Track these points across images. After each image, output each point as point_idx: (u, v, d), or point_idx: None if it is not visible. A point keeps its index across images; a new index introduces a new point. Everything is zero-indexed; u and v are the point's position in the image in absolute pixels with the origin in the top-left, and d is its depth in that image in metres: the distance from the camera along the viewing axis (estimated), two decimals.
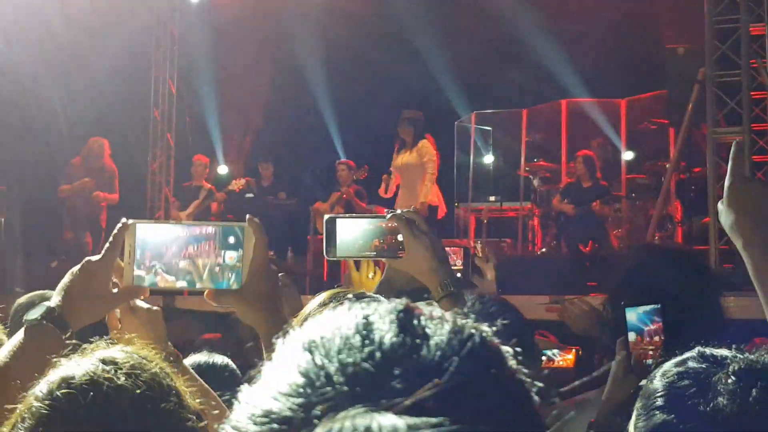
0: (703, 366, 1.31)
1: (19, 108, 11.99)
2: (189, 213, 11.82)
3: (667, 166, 11.16)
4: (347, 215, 2.24)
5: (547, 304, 8.81)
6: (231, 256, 1.63)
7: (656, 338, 2.17)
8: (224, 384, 2.83)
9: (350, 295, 1.92)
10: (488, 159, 14.11)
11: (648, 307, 2.13)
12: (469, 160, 13.84)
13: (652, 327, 2.15)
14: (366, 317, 0.87)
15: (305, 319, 1.89)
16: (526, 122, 13.54)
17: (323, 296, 1.95)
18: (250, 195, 12.65)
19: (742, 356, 1.30)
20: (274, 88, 15.05)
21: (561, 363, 3.77)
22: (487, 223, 12.83)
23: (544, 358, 3.71)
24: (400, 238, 2.19)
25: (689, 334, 1.56)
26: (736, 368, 1.28)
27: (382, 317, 0.86)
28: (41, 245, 11.82)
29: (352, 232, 2.18)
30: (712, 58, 9.60)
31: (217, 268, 1.63)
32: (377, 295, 1.97)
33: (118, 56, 12.80)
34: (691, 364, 1.32)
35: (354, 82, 14.32)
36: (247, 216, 1.67)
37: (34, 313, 1.57)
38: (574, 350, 3.86)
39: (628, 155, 12.79)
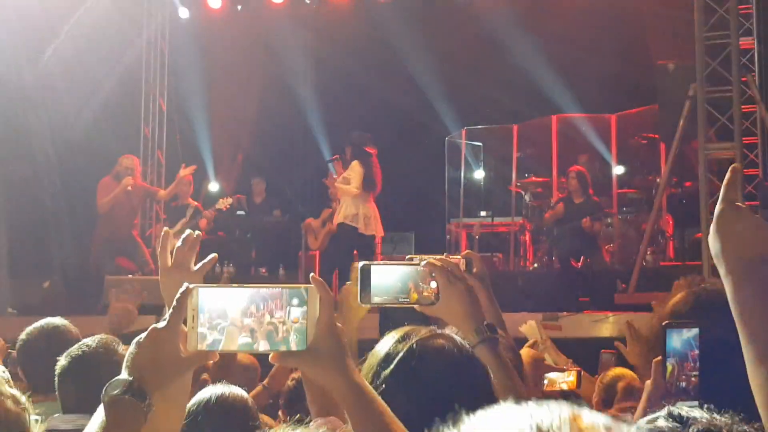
0: (670, 425, 1.33)
1: (6, 125, 11.94)
2: (176, 230, 11.76)
3: (659, 180, 11.18)
4: (382, 262, 2.27)
5: (540, 321, 8.86)
6: (295, 317, 1.62)
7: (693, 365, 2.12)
8: (236, 422, 2.80)
9: (424, 333, 1.94)
10: (479, 174, 14.14)
11: (691, 331, 2.09)
12: (460, 176, 13.86)
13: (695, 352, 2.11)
14: (539, 428, 0.87)
15: (386, 358, 1.90)
16: (516, 138, 13.57)
17: (397, 334, 1.96)
18: (242, 212, 12.63)
19: (708, 417, 1.31)
20: (264, 105, 15.03)
21: (564, 386, 3.75)
22: (479, 239, 12.83)
23: (546, 381, 3.69)
24: (433, 284, 2.24)
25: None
26: (694, 430, 1.30)
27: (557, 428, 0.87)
28: (29, 265, 11.76)
29: (387, 278, 2.22)
30: (702, 74, 9.64)
31: (281, 330, 1.63)
32: (450, 334, 1.99)
33: (109, 74, 12.79)
34: (660, 423, 1.34)
35: (344, 98, 14.33)
36: (311, 275, 1.67)
37: (113, 389, 1.59)
38: (575, 372, 3.84)
39: (618, 170, 12.83)
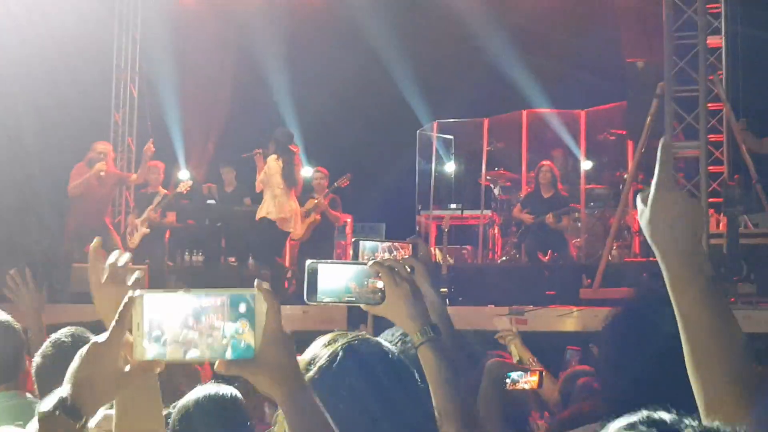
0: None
1: None
2: (143, 219, 11.74)
3: (626, 176, 11.30)
4: (329, 261, 2.29)
5: (507, 315, 8.96)
6: (243, 324, 1.57)
7: None
8: (228, 420, 2.81)
9: (350, 337, 1.94)
10: (450, 167, 14.21)
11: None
12: (431, 168, 13.92)
13: None
14: None
15: (311, 362, 1.90)
16: (487, 131, 13.63)
17: (327, 338, 1.96)
18: (212, 201, 12.61)
19: (694, 423, 1.27)
20: (236, 93, 15.02)
21: (526, 386, 3.81)
22: (448, 231, 12.91)
23: (508, 380, 3.74)
24: (379, 284, 2.26)
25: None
26: None
27: None
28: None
29: (334, 278, 2.24)
30: (670, 73, 9.76)
31: (227, 337, 1.57)
32: (378, 339, 2.00)
33: (80, 59, 12.70)
34: (641, 428, 1.27)
35: (317, 88, 14.33)
36: (256, 281, 1.61)
37: (47, 405, 1.55)
38: (538, 372, 3.90)
39: (587, 165, 12.93)
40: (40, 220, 12.01)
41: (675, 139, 9.77)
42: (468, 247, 13.28)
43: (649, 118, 10.02)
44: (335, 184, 11.81)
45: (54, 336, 3.34)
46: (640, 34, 11.96)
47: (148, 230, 11.65)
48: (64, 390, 1.58)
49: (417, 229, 13.53)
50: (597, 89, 12.91)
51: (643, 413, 1.27)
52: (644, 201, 1.73)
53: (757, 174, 9.96)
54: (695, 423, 1.24)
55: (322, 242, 11.71)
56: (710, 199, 9.68)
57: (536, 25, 13.25)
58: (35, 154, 12.23)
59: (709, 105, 9.94)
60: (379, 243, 2.62)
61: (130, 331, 1.58)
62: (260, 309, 1.59)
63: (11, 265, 10.75)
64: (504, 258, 12.27)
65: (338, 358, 1.84)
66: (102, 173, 11.09)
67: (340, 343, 1.88)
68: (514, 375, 3.79)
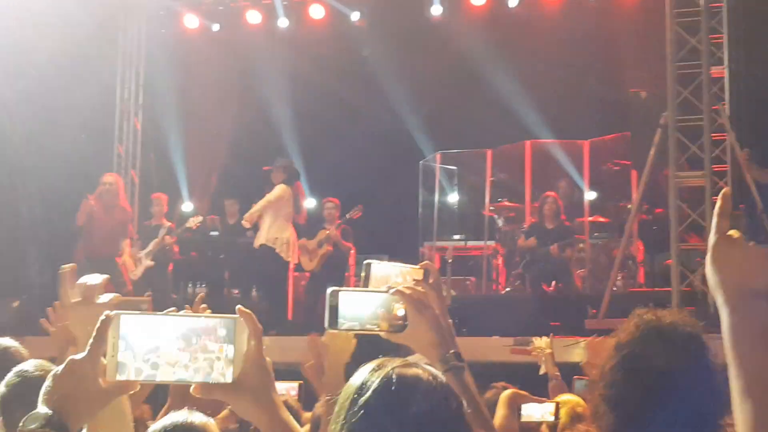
0: None
1: None
2: (149, 251, 11.72)
3: (630, 207, 11.27)
4: (351, 288, 2.28)
5: (511, 346, 8.89)
6: (221, 348, 1.58)
7: None
8: None
9: (398, 362, 1.93)
10: (453, 198, 14.17)
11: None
12: (434, 199, 13.89)
13: None
14: None
15: (362, 386, 1.87)
16: (490, 162, 13.61)
17: (374, 363, 1.95)
18: (215, 233, 12.59)
19: None
20: (240, 125, 15.03)
21: (540, 417, 3.73)
22: (452, 262, 12.86)
23: (522, 413, 3.67)
24: (401, 312, 2.24)
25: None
26: None
27: None
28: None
29: (355, 305, 2.22)
30: (674, 102, 9.75)
31: (206, 361, 1.57)
32: (426, 365, 1.99)
33: (83, 92, 12.74)
34: None
35: (319, 120, 14.36)
36: (237, 307, 1.63)
37: (32, 422, 1.53)
38: (554, 404, 3.82)
39: (591, 196, 12.90)
40: (42, 252, 11.98)
41: (679, 168, 9.76)
42: (472, 278, 13.22)
43: (653, 149, 10.01)
44: (347, 215, 11.83)
45: (19, 366, 3.30)
46: (642, 64, 11.97)
47: (153, 263, 11.63)
48: (42, 408, 1.55)
49: (420, 259, 13.46)
50: (600, 120, 12.91)
51: None
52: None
53: (763, 204, 9.92)
54: None
55: (335, 273, 11.72)
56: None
57: (539, 56, 13.27)
58: (37, 186, 12.23)
59: (713, 135, 9.93)
60: (390, 266, 2.60)
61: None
62: (241, 334, 1.60)
63: (13, 298, 10.71)
64: (508, 289, 12.21)
65: (393, 381, 1.83)
66: (92, 202, 11.07)
67: (390, 368, 1.88)
68: (529, 407, 3.73)
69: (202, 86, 14.53)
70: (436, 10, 13.02)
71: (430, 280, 2.64)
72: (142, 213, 13.24)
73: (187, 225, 11.93)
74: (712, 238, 1.69)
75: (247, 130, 14.88)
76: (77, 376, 1.58)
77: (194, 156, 14.45)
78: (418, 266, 2.66)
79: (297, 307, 12.56)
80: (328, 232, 11.68)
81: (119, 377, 1.56)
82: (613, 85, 12.51)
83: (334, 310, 2.19)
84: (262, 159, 11.82)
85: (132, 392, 1.65)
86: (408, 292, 2.26)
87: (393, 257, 13.82)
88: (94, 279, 2.03)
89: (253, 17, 13.72)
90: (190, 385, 1.60)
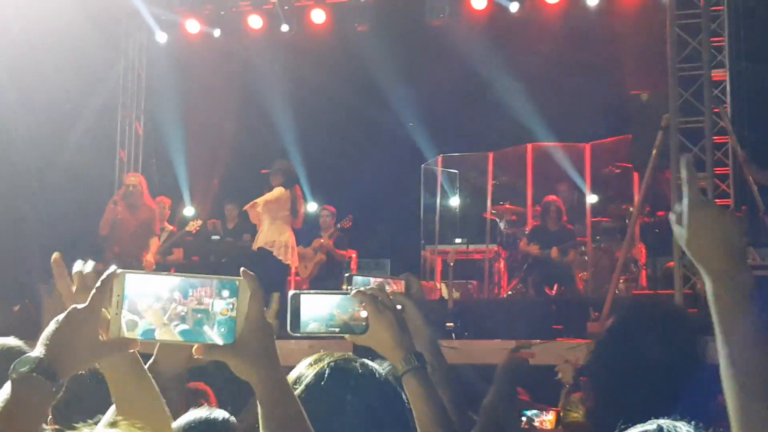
0: None
1: None
2: (153, 254, 11.71)
3: (632, 209, 11.26)
4: (312, 291, 2.27)
5: (513, 349, 8.87)
6: (224, 310, 1.58)
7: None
8: None
9: (337, 356, 1.93)
10: (455, 201, 14.17)
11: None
12: (436, 203, 13.91)
13: None
14: None
15: (297, 380, 1.89)
16: (492, 165, 13.63)
17: (312, 358, 1.95)
18: (216, 237, 12.60)
19: None
20: (241, 130, 15.05)
21: (542, 425, 3.72)
22: (454, 266, 12.86)
23: (523, 419, 3.66)
24: (363, 314, 2.23)
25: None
26: None
27: None
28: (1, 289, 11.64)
29: (317, 308, 2.22)
30: (675, 104, 9.75)
31: (209, 322, 1.58)
32: (364, 360, 1.98)
33: (86, 96, 12.77)
34: None
35: (321, 124, 14.38)
36: (242, 269, 1.64)
37: (22, 365, 1.52)
38: (554, 412, 3.81)
39: (592, 199, 12.90)
40: (42, 258, 11.97)
41: (680, 171, 9.74)
42: (474, 282, 13.22)
43: (654, 151, 10.00)
44: (338, 225, 11.82)
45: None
46: (643, 66, 11.97)
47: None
48: (37, 352, 1.55)
49: (422, 264, 13.49)
50: (601, 122, 12.92)
51: (657, 424, 1.28)
52: (679, 222, 1.72)
53: (764, 205, 9.92)
54: None
55: (329, 280, 11.69)
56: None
57: (540, 60, 13.27)
58: (39, 190, 12.24)
59: (714, 138, 9.93)
60: (371, 279, 2.60)
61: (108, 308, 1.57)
62: (243, 296, 1.60)
63: (14, 302, 10.68)
64: (510, 292, 12.20)
65: (325, 376, 1.83)
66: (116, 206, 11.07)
67: (326, 362, 1.88)
68: (530, 414, 3.71)
69: (203, 91, 14.55)
70: (438, 14, 13.02)
71: (412, 291, 2.65)
72: None
73: (187, 229, 11.93)
74: (684, 201, 1.69)
75: (249, 135, 14.91)
76: (77, 324, 1.57)
77: (196, 160, 14.47)
78: (399, 277, 2.67)
79: None
80: (322, 240, 11.68)
81: (123, 335, 1.57)
82: (614, 88, 12.51)
83: (296, 313, 2.19)
84: (264, 163, 11.80)
85: (132, 350, 1.65)
86: (368, 293, 2.26)
87: (395, 261, 13.90)
88: (87, 266, 2.03)
89: (255, 22, 13.72)
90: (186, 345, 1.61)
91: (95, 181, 13.20)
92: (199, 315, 1.58)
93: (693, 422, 1.34)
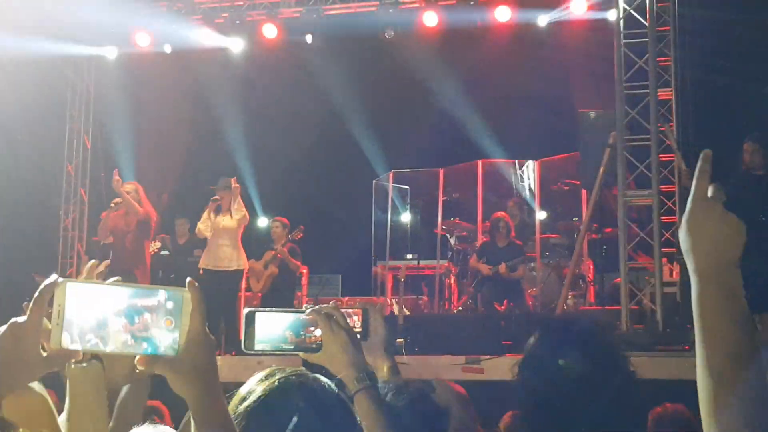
0: None
1: None
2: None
3: (580, 226, 11.38)
4: (267, 309, 2.27)
5: (463, 364, 8.93)
6: (169, 321, 1.55)
7: None
8: None
9: (288, 372, 1.93)
10: (406, 217, 14.21)
11: None
12: (387, 218, 13.93)
13: None
14: None
15: (247, 395, 1.88)
16: (442, 181, 13.70)
17: (263, 373, 1.94)
18: (165, 252, 12.49)
19: None
20: (192, 144, 14.95)
21: None
22: (405, 281, 12.89)
23: None
24: (317, 333, 2.25)
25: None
26: None
27: None
28: None
29: (271, 326, 2.23)
30: (622, 122, 9.89)
31: (152, 333, 1.55)
32: (316, 375, 1.98)
33: (33, 109, 12.61)
34: None
35: (273, 139, 14.34)
36: (188, 279, 1.60)
37: None
38: None
39: (541, 215, 13.01)
40: None
41: (627, 188, 9.87)
42: (424, 297, 13.25)
43: (601, 168, 10.13)
44: (290, 236, 11.77)
45: None
46: (591, 85, 12.12)
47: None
48: None
49: (373, 278, 13.50)
50: (550, 139, 13.05)
51: None
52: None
53: None
54: None
55: (285, 293, 11.67)
56: (663, 249, 9.75)
57: (490, 78, 13.39)
58: None
59: (660, 156, 10.08)
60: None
61: (49, 318, 1.53)
62: (186, 308, 1.57)
63: None
64: (460, 308, 12.25)
65: (275, 391, 1.83)
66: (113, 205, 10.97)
67: (276, 378, 1.87)
68: None
69: (154, 105, 14.42)
70: (389, 31, 13.06)
71: (370, 319, 2.64)
72: (91, 232, 13.10)
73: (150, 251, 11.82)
74: (690, 202, 1.69)
75: (199, 149, 14.82)
76: (17, 340, 1.53)
77: (145, 175, 14.33)
78: (357, 306, 2.67)
79: None
80: (274, 252, 11.64)
81: (64, 345, 1.52)
82: (563, 106, 12.64)
83: (251, 331, 2.20)
84: (213, 179, 11.76)
85: (75, 360, 1.62)
86: (323, 312, 2.29)
87: (346, 277, 13.89)
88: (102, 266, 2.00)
89: (206, 36, 13.64)
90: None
91: (42, 195, 13.05)
92: (142, 326, 1.55)
93: None
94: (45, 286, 1.54)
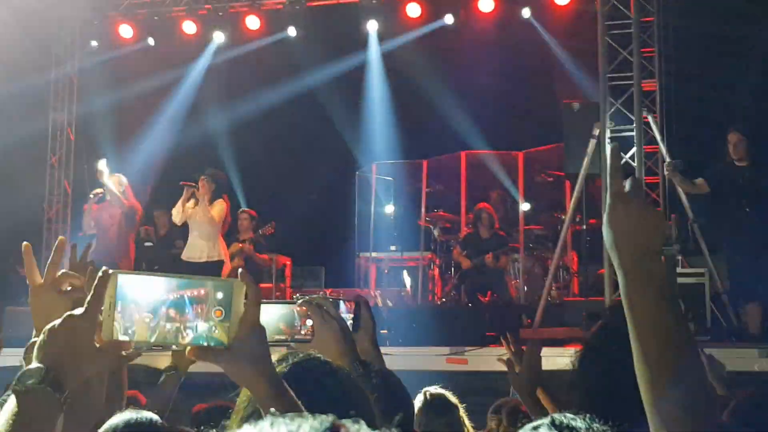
0: None
1: None
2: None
3: (564, 217, 11.40)
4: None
5: (447, 355, 8.94)
6: (219, 311, 1.56)
7: None
8: None
9: (301, 356, 1.94)
10: (389, 209, 14.19)
11: None
12: (370, 210, 13.91)
13: None
14: None
15: None
16: (426, 173, 13.69)
17: (275, 357, 1.95)
18: (149, 243, 12.46)
19: (587, 426, 1.36)
20: (175, 136, 14.87)
21: None
22: (388, 273, 12.88)
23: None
24: (309, 322, 2.26)
25: None
26: None
27: None
28: None
29: (264, 317, 2.20)
30: (606, 114, 9.91)
31: (203, 324, 1.55)
32: (327, 359, 1.99)
33: (16, 101, 12.54)
34: (542, 430, 1.38)
35: (256, 131, 14.29)
36: (239, 270, 1.61)
37: (28, 378, 1.49)
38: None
39: (525, 207, 13.02)
40: None
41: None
42: (407, 288, 13.25)
43: (586, 159, 10.15)
44: (260, 231, 11.72)
45: None
46: (575, 76, 12.14)
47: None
48: (35, 364, 1.51)
49: (356, 270, 13.50)
50: (534, 131, 13.06)
51: (551, 416, 1.35)
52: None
53: (693, 214, 10.09)
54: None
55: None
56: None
57: (474, 68, 13.38)
58: None
59: (645, 147, 10.11)
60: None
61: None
62: (238, 299, 1.58)
63: None
64: (444, 299, 12.26)
65: (288, 376, 1.83)
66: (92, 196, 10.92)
67: (290, 362, 1.88)
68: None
69: (137, 97, 14.35)
70: (372, 23, 13.05)
71: (362, 314, 2.66)
72: (75, 225, 13.04)
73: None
74: (608, 200, 1.70)
75: (182, 141, 14.74)
76: (75, 332, 1.54)
77: (129, 167, 14.26)
78: (349, 298, 2.68)
79: None
80: (240, 246, 11.58)
81: (116, 337, 1.54)
82: (547, 97, 12.66)
83: None
84: (195, 171, 11.71)
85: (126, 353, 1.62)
86: (314, 303, 2.31)
87: (329, 268, 13.87)
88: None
89: (189, 28, 13.60)
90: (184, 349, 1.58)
91: (26, 187, 12.98)
92: (192, 318, 1.56)
93: (588, 416, 1.41)
94: (100, 278, 1.55)
